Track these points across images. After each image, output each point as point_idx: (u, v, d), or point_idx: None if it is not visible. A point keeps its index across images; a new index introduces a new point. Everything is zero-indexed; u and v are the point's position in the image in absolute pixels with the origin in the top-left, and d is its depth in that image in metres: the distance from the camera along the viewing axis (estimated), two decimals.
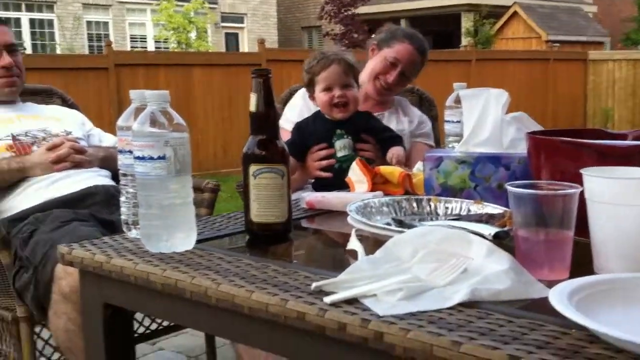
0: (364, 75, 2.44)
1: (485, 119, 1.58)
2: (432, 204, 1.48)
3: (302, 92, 2.41)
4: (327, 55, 2.23)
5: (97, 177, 2.21)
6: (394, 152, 2.15)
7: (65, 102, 2.63)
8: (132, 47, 18.57)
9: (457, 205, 1.45)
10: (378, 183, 1.69)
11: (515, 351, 0.77)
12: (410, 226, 1.26)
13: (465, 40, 16.56)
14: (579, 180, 1.04)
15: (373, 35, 2.62)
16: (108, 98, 7.35)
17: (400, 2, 20.19)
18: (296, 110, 2.40)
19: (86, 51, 17.81)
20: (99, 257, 1.23)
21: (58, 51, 16.87)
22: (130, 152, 1.27)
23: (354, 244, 1.20)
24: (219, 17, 19.94)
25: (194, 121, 7.71)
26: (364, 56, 2.57)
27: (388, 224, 1.35)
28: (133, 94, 1.35)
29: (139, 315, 2.11)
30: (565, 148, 1.22)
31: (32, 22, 17.54)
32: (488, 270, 0.98)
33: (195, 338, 2.85)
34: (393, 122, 2.47)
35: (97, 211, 2.04)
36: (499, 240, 1.15)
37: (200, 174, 6.81)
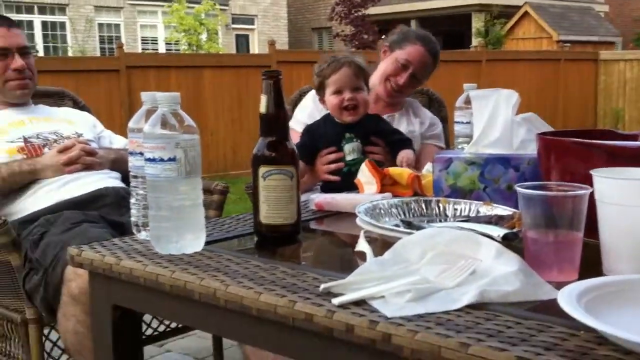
0: (375, 77, 2.44)
1: (495, 119, 1.58)
2: (441, 206, 1.47)
3: (313, 94, 2.40)
4: (338, 58, 2.23)
5: (108, 179, 2.22)
6: (404, 155, 2.14)
7: (76, 105, 2.64)
8: (143, 49, 18.64)
9: (466, 206, 1.45)
10: (387, 184, 1.69)
11: (523, 353, 0.76)
12: (419, 228, 1.25)
13: (475, 41, 16.48)
14: (589, 181, 1.03)
15: (384, 37, 2.61)
16: (119, 100, 7.38)
17: (410, 2, 20.15)
18: (306, 111, 2.40)
19: (98, 53, 17.90)
20: (108, 258, 1.23)
21: (70, 53, 16.96)
22: (141, 154, 1.28)
23: (362, 245, 1.21)
24: (230, 18, 19.96)
25: (204, 123, 7.73)
26: (374, 57, 2.56)
27: (397, 225, 1.34)
28: (144, 95, 1.36)
29: (146, 317, 2.12)
30: (575, 149, 1.21)
31: (44, 24, 17.63)
32: (497, 271, 0.98)
33: (203, 340, 2.85)
34: (404, 123, 2.46)
35: (107, 213, 2.05)
36: (508, 241, 1.15)
37: (210, 175, 6.82)
